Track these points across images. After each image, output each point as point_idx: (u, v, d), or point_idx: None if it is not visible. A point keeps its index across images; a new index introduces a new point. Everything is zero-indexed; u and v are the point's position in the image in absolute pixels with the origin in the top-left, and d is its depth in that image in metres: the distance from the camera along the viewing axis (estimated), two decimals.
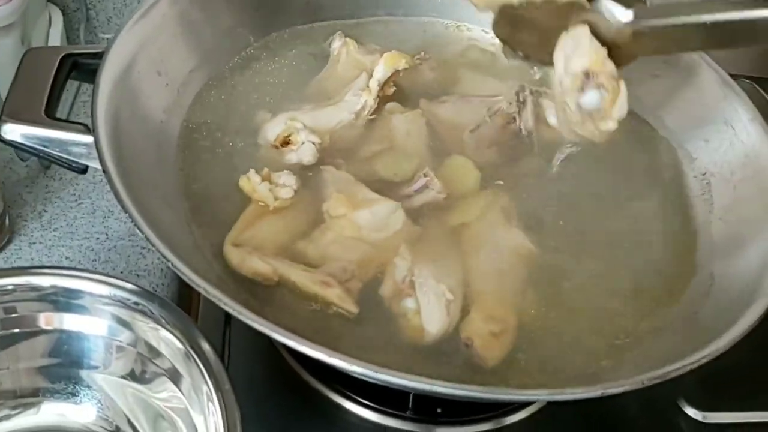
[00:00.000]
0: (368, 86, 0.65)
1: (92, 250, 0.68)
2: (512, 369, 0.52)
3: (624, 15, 0.51)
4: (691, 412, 0.64)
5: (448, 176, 0.61)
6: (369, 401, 0.61)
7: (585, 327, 0.55)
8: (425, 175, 0.60)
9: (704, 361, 0.47)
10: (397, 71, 0.65)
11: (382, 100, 0.66)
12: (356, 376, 0.47)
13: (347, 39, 0.70)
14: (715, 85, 0.67)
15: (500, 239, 0.59)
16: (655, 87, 0.69)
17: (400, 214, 0.58)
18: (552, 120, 0.68)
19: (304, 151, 0.61)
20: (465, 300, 0.55)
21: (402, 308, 0.54)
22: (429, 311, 0.53)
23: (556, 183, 0.64)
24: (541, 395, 0.50)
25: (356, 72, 0.68)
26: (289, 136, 0.61)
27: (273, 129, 0.62)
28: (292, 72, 0.70)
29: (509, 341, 0.54)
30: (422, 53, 0.72)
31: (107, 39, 0.89)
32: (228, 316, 0.65)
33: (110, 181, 0.51)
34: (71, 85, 0.69)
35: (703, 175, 0.65)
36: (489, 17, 0.68)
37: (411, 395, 0.60)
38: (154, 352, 0.52)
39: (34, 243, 0.68)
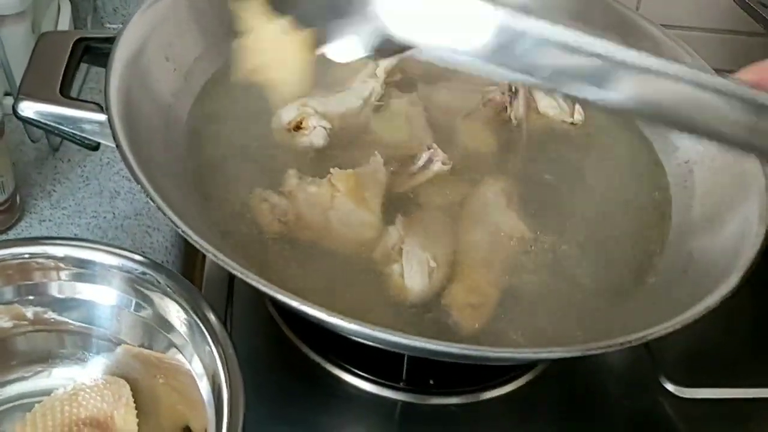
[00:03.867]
0: (376, 73, 0.68)
1: (100, 228, 0.70)
2: (487, 339, 0.55)
3: None
4: (671, 387, 0.67)
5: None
6: (364, 372, 0.64)
7: (565, 304, 0.58)
8: (429, 148, 0.63)
9: (678, 326, 0.49)
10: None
11: (390, 86, 0.69)
12: (351, 335, 0.49)
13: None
14: None
15: (496, 219, 0.62)
16: None
17: None
18: (543, 109, 0.72)
19: (315, 135, 0.64)
20: (452, 271, 0.58)
21: (389, 270, 0.57)
22: (410, 274, 0.56)
23: (544, 168, 0.67)
24: (526, 353, 0.52)
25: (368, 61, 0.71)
26: (301, 120, 0.64)
27: (287, 114, 0.65)
28: None
29: (487, 314, 0.57)
30: None
31: (113, 28, 0.92)
32: (230, 291, 0.68)
33: (122, 155, 0.54)
34: (80, 71, 0.71)
35: (686, 162, 0.68)
36: None
37: (404, 366, 0.63)
38: (162, 321, 0.54)
39: (43, 221, 0.70)
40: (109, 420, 0.53)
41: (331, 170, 0.60)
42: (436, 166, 0.63)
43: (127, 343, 0.56)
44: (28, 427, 0.52)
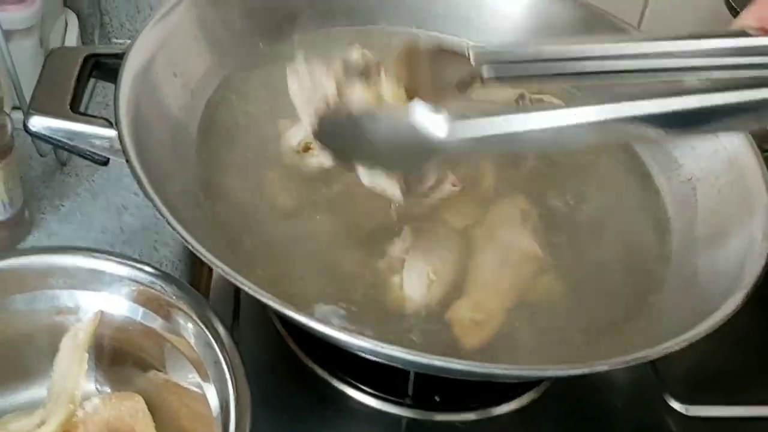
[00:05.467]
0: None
1: (107, 242, 0.71)
2: (488, 356, 0.55)
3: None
4: (676, 405, 0.67)
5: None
6: (370, 387, 0.64)
7: (571, 322, 0.59)
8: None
9: (683, 345, 0.50)
10: None
11: None
12: (359, 352, 0.50)
13: (364, 51, 0.74)
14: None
15: (510, 238, 0.62)
16: None
17: None
18: None
19: (324, 156, 0.64)
20: (458, 287, 0.59)
21: (390, 282, 0.58)
22: (409, 285, 0.57)
23: (549, 188, 0.68)
24: (533, 371, 0.53)
25: None
26: (310, 142, 0.64)
27: (295, 135, 0.65)
28: None
29: (488, 333, 0.57)
30: None
31: (120, 43, 0.93)
32: (236, 305, 0.68)
33: (133, 170, 0.54)
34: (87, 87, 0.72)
35: (689, 180, 0.69)
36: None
37: (410, 382, 0.63)
38: (170, 330, 0.55)
39: (52, 235, 0.71)
40: None
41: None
42: (446, 188, 0.63)
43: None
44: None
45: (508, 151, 0.62)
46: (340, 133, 0.53)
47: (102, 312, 0.55)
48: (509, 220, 0.63)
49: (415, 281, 0.58)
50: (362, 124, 0.51)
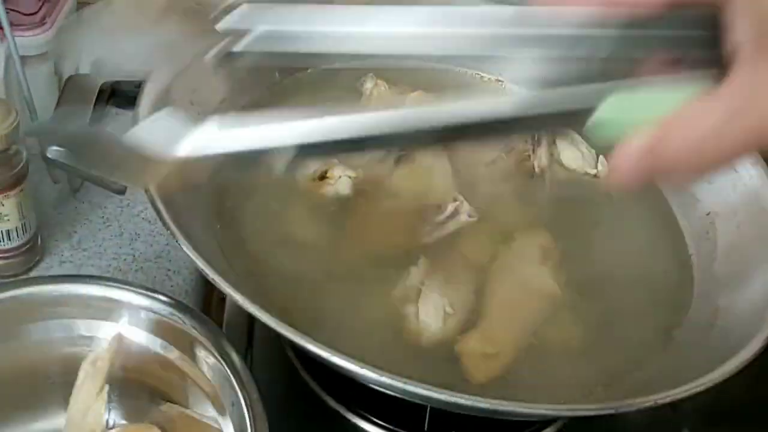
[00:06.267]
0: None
1: (120, 270, 0.70)
2: (498, 391, 0.54)
3: None
4: None
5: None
6: (385, 422, 0.63)
7: (587, 360, 0.58)
8: (455, 200, 0.63)
9: (704, 387, 0.49)
10: None
11: None
12: (378, 387, 0.49)
13: (378, 80, 0.74)
14: None
15: (528, 275, 0.61)
16: None
17: None
18: (566, 161, 0.72)
19: (341, 185, 0.64)
20: (471, 320, 0.58)
21: (405, 311, 0.58)
22: (425, 317, 0.57)
23: (568, 223, 0.67)
24: (551, 410, 0.52)
25: None
26: (326, 171, 0.65)
27: (311, 164, 0.65)
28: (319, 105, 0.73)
29: (498, 367, 0.56)
30: None
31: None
32: (250, 336, 0.67)
33: (151, 200, 0.54)
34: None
35: (707, 215, 0.68)
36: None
37: (426, 416, 0.62)
38: (187, 362, 0.54)
39: (64, 262, 0.70)
40: None
41: None
42: (463, 218, 0.63)
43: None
44: None
45: None
46: None
47: (120, 336, 0.55)
48: (529, 256, 0.62)
49: (432, 312, 0.57)
50: None
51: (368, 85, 0.74)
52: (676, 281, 0.64)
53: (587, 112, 0.37)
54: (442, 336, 0.57)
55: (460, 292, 0.59)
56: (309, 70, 0.76)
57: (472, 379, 0.55)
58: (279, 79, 0.75)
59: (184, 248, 0.51)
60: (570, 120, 0.39)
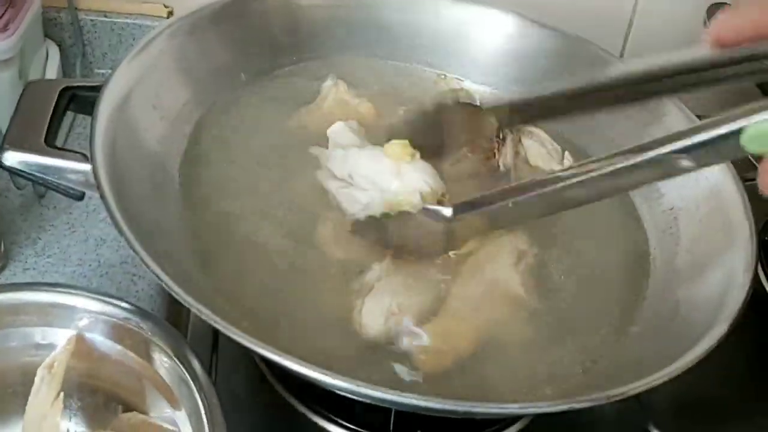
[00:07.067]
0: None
1: (84, 276, 0.70)
2: (440, 386, 0.55)
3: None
4: None
5: None
6: (351, 423, 0.63)
7: (546, 358, 0.58)
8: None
9: (665, 378, 0.49)
10: None
11: None
12: (341, 392, 0.49)
13: (339, 80, 0.74)
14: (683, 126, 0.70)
15: (496, 275, 0.62)
16: (628, 128, 0.72)
17: None
18: (532, 159, 0.72)
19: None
20: (430, 318, 0.58)
21: (354, 304, 0.58)
22: (368, 313, 0.57)
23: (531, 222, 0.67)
24: (509, 409, 0.51)
25: (340, 111, 0.72)
26: None
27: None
28: (280, 107, 0.73)
29: (448, 363, 0.56)
30: None
31: (102, 74, 0.92)
32: (215, 339, 0.67)
33: (106, 204, 0.53)
34: (66, 118, 0.71)
35: (671, 209, 0.68)
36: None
37: (392, 417, 0.62)
38: (146, 367, 0.54)
39: (28, 269, 0.70)
40: None
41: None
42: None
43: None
44: None
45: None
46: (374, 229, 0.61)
47: (77, 338, 0.54)
48: (501, 256, 0.62)
49: (375, 310, 0.58)
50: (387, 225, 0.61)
51: (328, 83, 0.74)
52: (637, 276, 0.64)
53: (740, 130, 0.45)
54: (384, 334, 0.57)
55: (416, 293, 0.59)
56: (266, 70, 0.75)
57: (419, 370, 0.55)
58: (245, 79, 0.75)
59: (136, 251, 0.51)
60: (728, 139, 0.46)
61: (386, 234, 0.61)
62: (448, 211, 0.58)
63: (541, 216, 0.59)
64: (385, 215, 0.61)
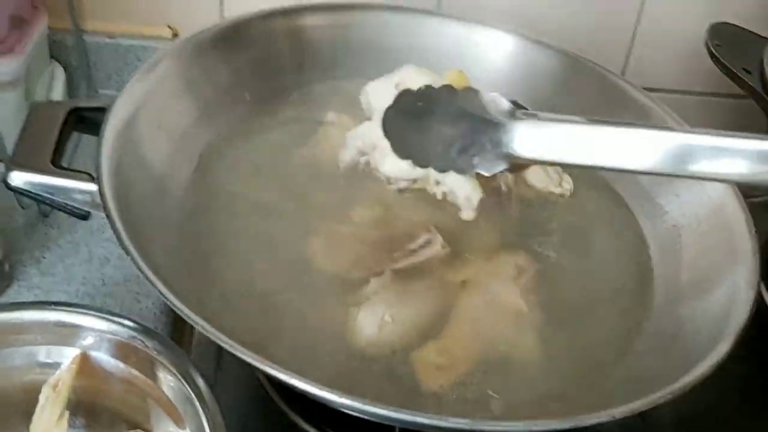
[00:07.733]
0: None
1: (88, 294, 0.70)
2: (443, 402, 0.55)
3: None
4: None
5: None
6: None
7: (549, 375, 0.58)
8: (428, 231, 0.64)
9: (669, 397, 0.49)
10: None
11: None
12: (346, 410, 0.49)
13: (340, 115, 0.74)
14: None
15: (497, 291, 0.62)
16: None
17: None
18: (531, 180, 0.73)
19: None
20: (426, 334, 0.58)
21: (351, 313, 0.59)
22: (361, 322, 0.58)
23: (534, 241, 0.67)
24: (516, 428, 0.51)
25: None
26: None
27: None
28: (286, 132, 0.74)
29: (449, 379, 0.56)
30: None
31: (107, 95, 0.93)
32: (219, 357, 0.67)
33: (112, 223, 0.54)
34: (73, 137, 0.72)
35: (674, 227, 0.69)
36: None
37: None
38: (150, 386, 0.54)
39: (32, 288, 0.70)
40: None
41: None
42: (435, 249, 0.63)
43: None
44: None
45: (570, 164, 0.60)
46: (413, 113, 0.56)
47: (82, 356, 0.54)
48: (502, 273, 0.63)
49: (369, 319, 0.58)
50: (438, 99, 0.54)
51: (330, 116, 0.74)
52: (641, 293, 0.64)
53: None
54: (378, 344, 0.57)
55: (412, 306, 0.60)
56: (280, 91, 0.76)
57: (421, 387, 0.56)
58: (249, 100, 0.75)
59: (142, 270, 0.51)
60: None
61: (424, 133, 0.55)
62: (506, 103, 0.53)
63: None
64: (427, 86, 0.56)
